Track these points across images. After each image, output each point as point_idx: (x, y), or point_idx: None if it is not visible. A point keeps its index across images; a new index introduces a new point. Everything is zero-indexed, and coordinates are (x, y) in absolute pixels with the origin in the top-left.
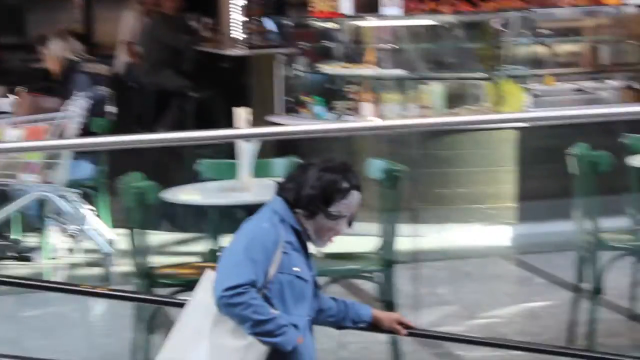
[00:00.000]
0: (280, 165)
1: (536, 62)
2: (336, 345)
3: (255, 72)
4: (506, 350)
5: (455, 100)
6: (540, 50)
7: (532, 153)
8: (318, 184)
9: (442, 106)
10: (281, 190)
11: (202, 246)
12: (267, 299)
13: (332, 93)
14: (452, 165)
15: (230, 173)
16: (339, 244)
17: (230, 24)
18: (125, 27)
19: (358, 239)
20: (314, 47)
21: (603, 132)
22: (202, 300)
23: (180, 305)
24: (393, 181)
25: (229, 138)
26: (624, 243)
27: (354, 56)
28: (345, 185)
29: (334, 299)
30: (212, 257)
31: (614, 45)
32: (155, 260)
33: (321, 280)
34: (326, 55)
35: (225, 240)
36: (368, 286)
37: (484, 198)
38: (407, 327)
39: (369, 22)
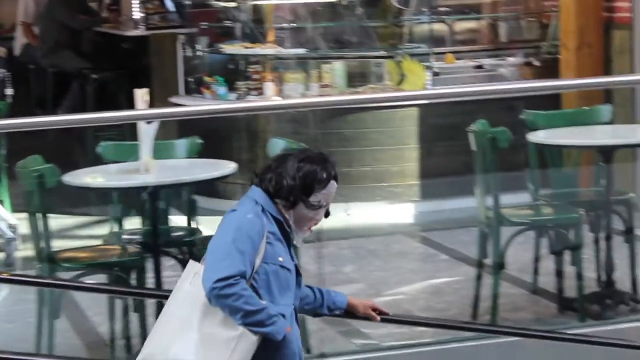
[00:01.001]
0: (182, 146)
1: (436, 40)
2: None
3: (157, 53)
4: (411, 327)
5: (357, 79)
6: (440, 28)
7: (434, 131)
8: (298, 174)
9: (344, 85)
10: (260, 181)
11: (105, 229)
12: (254, 289)
13: (234, 73)
14: (356, 144)
15: (132, 155)
16: None
17: (130, 5)
18: (23, 8)
19: None
20: (215, 27)
21: (503, 108)
22: (188, 291)
23: (86, 288)
24: None
25: (129, 119)
26: (525, 218)
27: (255, 36)
28: (324, 175)
29: (310, 287)
30: (114, 239)
31: (513, 22)
32: (58, 244)
33: None
34: (227, 35)
35: (129, 222)
36: None
37: (387, 176)
38: (380, 313)
39: (269, 0)
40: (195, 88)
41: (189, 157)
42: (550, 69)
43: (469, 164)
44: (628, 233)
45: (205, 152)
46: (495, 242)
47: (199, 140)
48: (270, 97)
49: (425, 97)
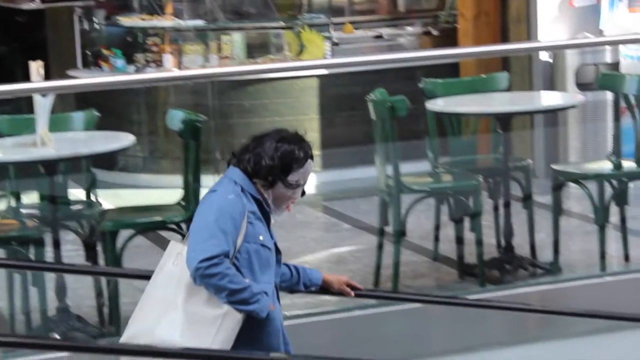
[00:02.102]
0: (79, 119)
1: (335, 11)
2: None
3: (53, 26)
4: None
5: (256, 50)
6: None
7: (335, 101)
8: (277, 154)
9: (244, 56)
10: (238, 161)
11: (2, 204)
12: (236, 268)
13: (132, 46)
14: (256, 115)
15: (28, 128)
16: (143, 196)
17: None
18: None
19: (162, 191)
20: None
21: (403, 78)
22: (171, 272)
23: None
24: (194, 132)
25: (24, 92)
26: (425, 186)
27: (153, 8)
28: (301, 154)
29: (286, 265)
30: (12, 214)
31: None
32: None
33: (126, 233)
34: (125, 7)
35: (27, 197)
36: (177, 238)
37: None
38: (354, 288)
39: None
40: (92, 61)
41: (87, 130)
42: (448, 38)
43: (369, 133)
44: (526, 199)
45: (104, 125)
46: (396, 211)
47: (96, 113)
48: (169, 69)
49: (324, 67)
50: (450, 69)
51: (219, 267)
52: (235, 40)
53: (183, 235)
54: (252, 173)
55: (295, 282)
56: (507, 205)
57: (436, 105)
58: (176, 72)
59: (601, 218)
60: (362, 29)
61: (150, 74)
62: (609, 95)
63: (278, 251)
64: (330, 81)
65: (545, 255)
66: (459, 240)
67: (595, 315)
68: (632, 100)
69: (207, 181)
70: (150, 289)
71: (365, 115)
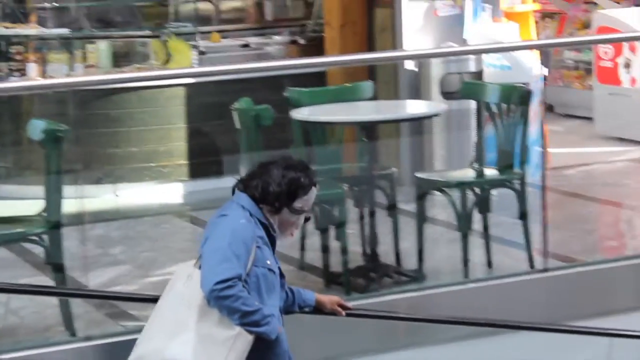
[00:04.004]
0: None
1: (202, 19)
2: (4, 311)
3: None
4: None
5: (122, 59)
6: (205, 7)
7: (202, 110)
8: (284, 181)
9: (110, 65)
10: (245, 187)
11: None
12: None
13: None
14: (122, 124)
15: None
16: (5, 207)
17: None
18: None
19: (23, 202)
20: None
21: (270, 87)
22: (182, 293)
23: None
24: (55, 142)
25: None
26: None
27: (17, 16)
28: (307, 181)
29: None
30: None
31: (278, 1)
32: None
33: None
34: None
35: None
36: (39, 250)
37: (155, 156)
38: (345, 308)
39: None
40: None
41: None
42: (315, 47)
43: (236, 142)
44: (391, 207)
45: None
46: None
47: None
48: (33, 78)
49: (191, 76)
50: (318, 78)
51: (233, 289)
52: (100, 49)
53: (45, 247)
54: (259, 199)
55: (290, 304)
56: (372, 213)
57: (301, 114)
58: (44, 81)
59: (464, 225)
60: (229, 37)
61: (19, 83)
62: (472, 104)
63: (282, 275)
64: (196, 90)
65: (410, 262)
66: (325, 249)
67: (460, 322)
68: (494, 109)
69: (69, 192)
70: (160, 310)
71: (231, 124)
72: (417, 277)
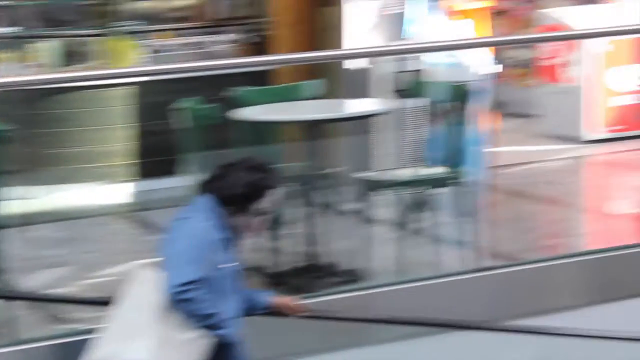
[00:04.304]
0: None
1: (150, 18)
2: None
3: None
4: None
5: (70, 57)
6: (155, 5)
7: (147, 109)
8: (246, 183)
9: (58, 63)
10: (207, 189)
11: None
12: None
13: None
14: (66, 124)
15: None
16: None
17: None
18: None
19: None
20: None
21: (217, 86)
22: (141, 296)
23: None
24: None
25: None
26: None
27: None
28: (269, 184)
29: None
30: None
31: (228, 0)
32: None
33: None
34: None
35: None
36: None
37: (100, 157)
38: (302, 309)
39: None
40: None
41: None
42: (263, 46)
43: (182, 142)
44: (333, 207)
45: None
46: None
47: None
48: None
49: (138, 74)
50: (265, 77)
51: (194, 292)
52: (49, 48)
53: None
54: (222, 200)
55: (251, 306)
56: (313, 213)
57: (245, 113)
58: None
59: (406, 225)
60: (178, 36)
61: None
62: (419, 102)
63: (241, 277)
64: (142, 89)
65: (350, 262)
66: (265, 250)
67: (400, 321)
68: (441, 108)
69: (15, 192)
70: (118, 313)
71: (178, 124)
72: (357, 277)
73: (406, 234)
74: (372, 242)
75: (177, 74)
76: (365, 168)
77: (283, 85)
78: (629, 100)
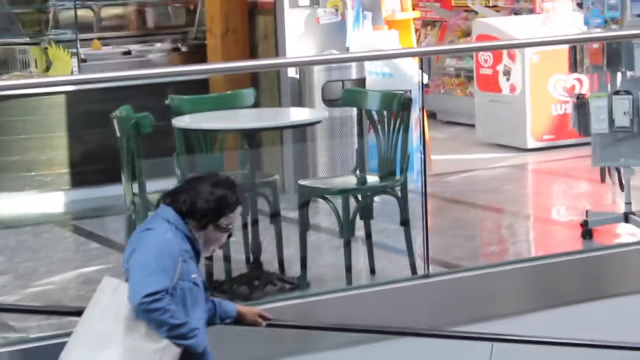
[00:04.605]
0: None
1: (83, 26)
2: None
3: None
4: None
5: (2, 66)
6: (86, 14)
7: (83, 118)
8: (211, 198)
9: None
10: (172, 201)
11: None
12: None
13: None
14: (2, 133)
15: None
16: None
17: None
18: None
19: None
20: None
21: (152, 94)
22: (107, 306)
23: None
24: None
25: None
26: None
27: None
28: (234, 199)
29: None
30: None
31: (160, 9)
32: None
33: None
34: None
35: None
36: None
37: (36, 165)
38: (266, 319)
39: None
40: None
41: None
42: (197, 54)
43: (117, 150)
44: (274, 215)
45: None
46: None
47: None
48: None
49: (71, 83)
50: (200, 86)
51: (161, 302)
52: None
53: None
54: (186, 214)
55: (212, 316)
56: (255, 221)
57: (182, 121)
58: None
59: (347, 232)
60: (110, 45)
61: None
62: (354, 111)
63: (206, 288)
64: (78, 98)
65: (294, 270)
66: (208, 257)
67: (344, 328)
68: (375, 116)
69: None
70: (85, 323)
71: (113, 132)
72: (300, 284)
73: (347, 242)
74: (314, 250)
75: (111, 83)
76: (305, 176)
77: (218, 93)
78: (565, 109)
